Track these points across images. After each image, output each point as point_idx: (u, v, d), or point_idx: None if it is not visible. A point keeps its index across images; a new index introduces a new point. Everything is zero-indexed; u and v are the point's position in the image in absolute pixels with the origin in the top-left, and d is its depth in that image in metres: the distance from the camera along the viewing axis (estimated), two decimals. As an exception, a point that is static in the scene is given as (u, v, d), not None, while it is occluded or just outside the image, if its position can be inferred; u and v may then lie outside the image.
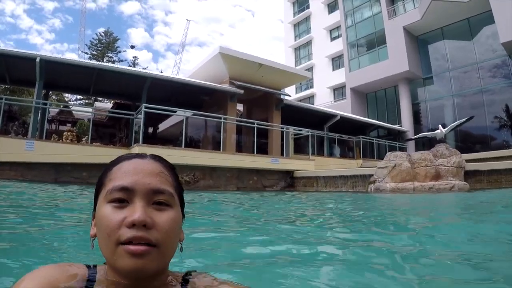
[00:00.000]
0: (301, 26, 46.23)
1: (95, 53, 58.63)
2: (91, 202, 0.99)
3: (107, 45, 59.58)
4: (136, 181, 0.89)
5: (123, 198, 0.88)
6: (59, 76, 16.85)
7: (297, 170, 17.47)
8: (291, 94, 28.02)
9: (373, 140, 26.30)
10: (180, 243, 0.98)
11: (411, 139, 24.58)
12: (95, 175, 13.27)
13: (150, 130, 22.56)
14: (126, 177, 0.90)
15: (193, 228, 3.97)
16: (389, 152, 14.05)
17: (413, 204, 9.39)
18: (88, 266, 0.93)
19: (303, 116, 23.19)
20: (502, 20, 22.18)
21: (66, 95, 44.84)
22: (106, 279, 0.89)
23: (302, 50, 45.74)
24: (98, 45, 59.51)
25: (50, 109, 20.67)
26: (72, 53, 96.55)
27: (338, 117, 23.35)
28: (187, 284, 0.96)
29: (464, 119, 16.51)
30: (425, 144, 24.72)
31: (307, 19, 44.92)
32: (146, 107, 14.52)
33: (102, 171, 0.98)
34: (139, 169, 0.93)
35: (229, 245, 3.41)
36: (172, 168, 1.06)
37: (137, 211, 0.84)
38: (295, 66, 41.99)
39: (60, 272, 0.85)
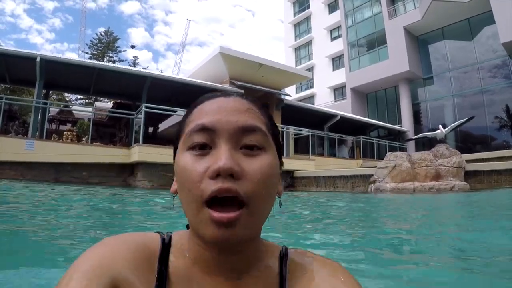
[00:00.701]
0: (302, 26, 46.20)
1: (96, 52, 58.59)
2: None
3: (107, 44, 59.54)
4: (219, 119, 0.71)
5: (205, 142, 0.70)
6: (59, 75, 16.83)
7: (297, 170, 17.46)
8: (291, 94, 28.04)
9: (373, 140, 26.29)
10: (278, 196, 0.79)
11: (411, 139, 24.57)
12: (95, 175, 13.34)
13: (150, 130, 22.53)
14: (207, 116, 0.72)
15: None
16: (389, 152, 14.05)
17: (414, 203, 9.39)
18: (161, 235, 0.78)
19: (303, 116, 23.18)
20: (502, 20, 22.17)
21: (67, 94, 44.83)
22: (182, 248, 0.76)
23: (303, 50, 45.72)
24: (99, 44, 59.48)
25: (50, 109, 20.65)
26: (72, 53, 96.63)
27: (338, 117, 23.34)
28: (286, 259, 0.78)
29: (465, 119, 16.51)
30: (425, 144, 24.72)
31: (308, 19, 44.89)
32: (146, 107, 14.54)
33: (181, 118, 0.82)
34: (223, 107, 0.73)
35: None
36: (263, 106, 0.82)
37: (221, 156, 0.66)
38: (296, 66, 41.93)
39: (132, 239, 0.72)
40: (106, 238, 0.71)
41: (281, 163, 0.80)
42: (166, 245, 0.75)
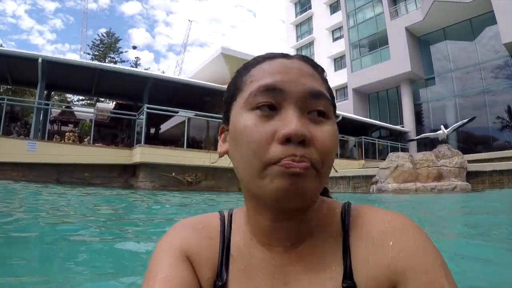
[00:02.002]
0: (303, 26, 46.16)
1: (97, 53, 58.65)
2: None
3: (109, 45, 59.58)
4: (288, 79, 0.66)
5: (272, 103, 0.64)
6: (61, 76, 16.85)
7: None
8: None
9: (375, 140, 26.24)
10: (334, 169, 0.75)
11: (413, 140, 24.57)
12: (97, 176, 13.34)
13: (152, 130, 22.53)
14: (272, 76, 0.66)
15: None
16: (391, 153, 14.04)
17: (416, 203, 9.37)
18: (221, 213, 0.82)
19: (305, 116, 23.13)
20: (504, 21, 22.14)
21: (68, 95, 44.88)
22: (241, 224, 0.77)
23: (304, 50, 45.63)
24: (100, 45, 59.52)
25: (52, 110, 20.67)
26: (73, 54, 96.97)
27: (340, 118, 23.30)
28: (348, 220, 0.72)
29: (466, 119, 16.50)
30: (427, 144, 24.69)
31: (309, 19, 44.84)
32: (148, 108, 14.55)
33: (231, 81, 0.77)
34: (289, 67, 0.68)
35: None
36: (324, 72, 0.80)
37: (292, 120, 0.61)
38: (297, 66, 41.84)
39: (198, 221, 0.80)
40: (175, 225, 0.81)
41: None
42: (225, 223, 0.79)
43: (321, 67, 0.78)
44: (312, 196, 0.65)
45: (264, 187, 0.62)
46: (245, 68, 0.74)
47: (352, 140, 24.97)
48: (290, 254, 0.70)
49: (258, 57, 0.74)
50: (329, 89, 0.75)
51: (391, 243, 0.63)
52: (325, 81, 0.76)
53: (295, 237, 0.70)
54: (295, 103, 0.64)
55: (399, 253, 0.61)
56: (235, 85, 0.73)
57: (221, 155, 0.78)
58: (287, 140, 0.60)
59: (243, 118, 0.65)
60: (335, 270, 0.66)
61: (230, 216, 0.81)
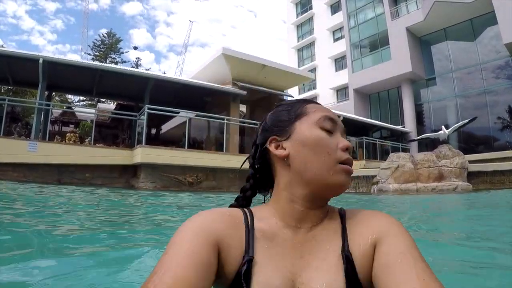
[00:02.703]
0: (304, 27, 46.21)
1: (98, 54, 58.66)
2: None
3: (109, 46, 59.57)
4: (335, 118, 1.06)
5: (331, 128, 1.01)
6: (62, 77, 16.87)
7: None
8: (294, 95, 28.03)
9: (376, 141, 26.23)
10: None
11: (414, 140, 24.56)
12: (98, 176, 13.35)
13: (153, 131, 22.55)
14: (329, 112, 1.07)
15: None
16: (392, 153, 14.05)
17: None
18: (241, 209, 1.04)
19: (305, 117, 23.12)
20: (505, 21, 22.15)
21: (69, 96, 44.92)
22: (263, 213, 1.01)
23: (305, 51, 45.71)
24: (101, 46, 59.53)
25: (53, 110, 20.69)
26: (74, 54, 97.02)
27: (341, 118, 23.23)
28: (344, 214, 1.04)
29: (467, 120, 16.50)
30: (428, 145, 24.72)
31: (310, 20, 44.89)
32: (149, 108, 14.54)
33: (283, 110, 1.11)
34: (331, 111, 1.09)
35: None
36: None
37: (344, 140, 1.02)
38: (298, 67, 41.90)
39: (222, 211, 0.98)
40: (200, 212, 0.95)
41: None
42: (247, 213, 1.00)
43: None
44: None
45: (332, 178, 0.95)
46: (298, 104, 1.10)
47: (353, 140, 24.95)
48: (308, 233, 0.97)
49: (303, 99, 1.16)
50: None
51: (375, 222, 0.96)
52: None
53: (316, 220, 0.99)
54: (341, 132, 1.05)
55: (380, 227, 0.93)
56: (296, 111, 1.06)
57: (284, 157, 1.02)
58: (346, 149, 0.99)
59: (317, 132, 0.99)
60: (336, 244, 0.95)
61: (250, 210, 1.03)
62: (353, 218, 1.01)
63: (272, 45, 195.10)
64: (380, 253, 0.88)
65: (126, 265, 2.24)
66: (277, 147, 1.04)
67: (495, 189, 11.68)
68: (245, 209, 1.03)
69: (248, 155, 1.23)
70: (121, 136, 21.12)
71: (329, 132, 1.00)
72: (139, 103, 18.10)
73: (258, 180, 1.17)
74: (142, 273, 2.00)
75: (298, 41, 46.52)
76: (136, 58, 70.13)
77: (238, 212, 1.00)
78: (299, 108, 1.08)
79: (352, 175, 0.97)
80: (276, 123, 1.09)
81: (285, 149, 1.02)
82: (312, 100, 1.15)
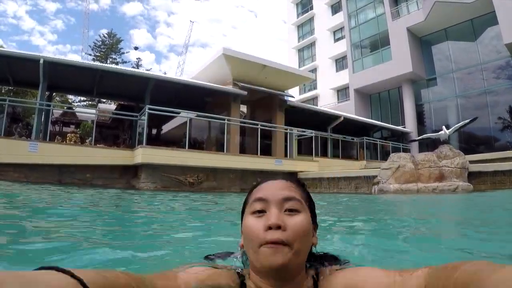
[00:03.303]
0: (305, 27, 46.20)
1: (99, 54, 58.73)
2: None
3: (110, 46, 59.65)
4: (270, 193, 1.13)
5: (261, 208, 1.11)
6: (62, 77, 16.87)
7: (301, 171, 17.46)
8: (294, 96, 28.06)
9: (376, 141, 26.23)
10: (314, 246, 1.21)
11: (415, 140, 24.56)
12: (99, 176, 13.36)
13: (154, 131, 22.58)
14: (262, 192, 1.15)
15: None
16: (393, 153, 14.05)
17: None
18: (236, 271, 1.18)
19: (306, 117, 23.16)
20: (505, 21, 22.15)
21: (70, 96, 44.94)
22: (253, 282, 1.12)
23: (306, 51, 45.70)
24: (102, 46, 59.60)
25: (53, 111, 20.70)
26: (74, 54, 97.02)
27: (342, 118, 23.31)
28: (318, 277, 1.13)
29: (468, 120, 16.50)
30: (428, 145, 24.73)
31: (311, 20, 44.89)
32: (149, 109, 14.54)
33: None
34: (272, 185, 1.17)
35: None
36: (301, 185, 1.26)
37: (272, 217, 1.06)
38: (299, 67, 41.91)
39: (219, 272, 1.12)
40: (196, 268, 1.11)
41: (315, 225, 1.23)
42: (242, 281, 1.14)
43: (300, 182, 1.27)
44: (287, 264, 1.02)
45: (259, 261, 1.04)
46: (252, 189, 1.23)
47: (353, 140, 24.95)
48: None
49: (260, 181, 1.25)
50: (306, 196, 1.22)
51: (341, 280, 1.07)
52: (302, 190, 1.22)
53: None
54: (274, 206, 1.10)
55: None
56: (246, 201, 1.21)
57: (242, 248, 1.21)
58: (269, 228, 1.04)
59: (247, 220, 1.12)
60: None
61: (242, 275, 1.16)
62: (324, 283, 1.11)
63: (272, 45, 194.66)
64: None
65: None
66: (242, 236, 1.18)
67: (496, 190, 11.67)
68: (240, 272, 1.18)
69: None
70: (122, 136, 21.16)
71: (261, 212, 1.11)
72: (139, 103, 18.09)
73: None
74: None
75: (298, 41, 46.51)
76: (137, 58, 70.23)
77: (234, 276, 1.15)
78: (247, 197, 1.23)
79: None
80: (241, 214, 1.24)
81: (240, 240, 1.21)
82: (264, 180, 1.25)
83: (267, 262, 1.02)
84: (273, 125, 19.77)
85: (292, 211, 1.10)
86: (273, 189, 1.15)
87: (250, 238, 1.08)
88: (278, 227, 1.04)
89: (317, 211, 1.28)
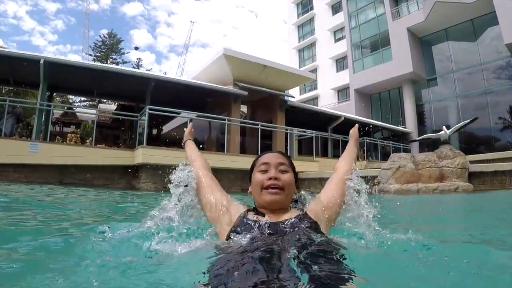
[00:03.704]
0: (305, 27, 46.19)
1: (99, 54, 58.72)
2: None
3: (110, 46, 59.63)
4: (270, 160, 2.05)
5: (265, 168, 2.02)
6: (63, 78, 16.89)
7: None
8: (295, 96, 28.03)
9: (377, 141, 26.21)
10: (295, 192, 2.16)
11: (415, 141, 24.55)
12: (99, 177, 13.35)
13: (154, 131, 22.56)
14: (265, 159, 2.07)
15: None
16: (393, 154, 14.02)
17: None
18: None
19: (307, 117, 23.16)
20: (506, 21, 22.15)
21: (70, 96, 44.94)
22: (256, 209, 2.02)
23: (306, 51, 45.70)
24: (102, 46, 59.59)
25: (54, 111, 20.69)
26: (75, 55, 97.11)
27: (342, 119, 23.31)
28: (303, 209, 2.04)
29: (468, 120, 16.47)
30: (429, 145, 24.68)
31: (311, 20, 44.89)
32: (150, 109, 14.53)
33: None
34: (271, 155, 2.11)
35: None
36: (288, 157, 2.20)
37: (272, 173, 1.98)
38: (299, 67, 41.89)
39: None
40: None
41: (296, 179, 2.15)
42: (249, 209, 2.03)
43: (287, 155, 2.22)
44: (281, 201, 1.95)
45: (262, 199, 1.97)
46: (257, 158, 2.17)
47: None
48: (278, 215, 1.92)
49: (262, 153, 2.20)
50: (289, 161, 2.15)
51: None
52: (288, 159, 2.15)
53: (280, 214, 1.95)
54: (273, 167, 2.01)
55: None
56: (253, 164, 2.15)
57: (249, 193, 2.15)
58: (270, 178, 1.96)
59: (256, 175, 2.05)
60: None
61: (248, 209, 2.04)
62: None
63: (273, 45, 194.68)
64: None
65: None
66: (251, 185, 2.13)
67: (496, 190, 11.66)
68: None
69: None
70: (122, 136, 21.15)
71: (264, 171, 2.02)
72: (140, 103, 18.09)
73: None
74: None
75: (299, 42, 46.52)
76: (137, 58, 70.41)
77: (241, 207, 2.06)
78: (254, 162, 2.17)
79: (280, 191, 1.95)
80: (249, 175, 2.21)
81: (249, 189, 2.18)
82: (265, 152, 2.19)
83: (268, 199, 1.93)
84: (274, 125, 19.78)
85: (283, 171, 2.02)
86: (272, 158, 2.07)
87: (258, 185, 1.99)
88: (275, 178, 1.95)
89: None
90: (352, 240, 2.04)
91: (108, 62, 55.82)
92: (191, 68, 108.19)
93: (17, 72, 16.72)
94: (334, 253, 1.46)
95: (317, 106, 36.65)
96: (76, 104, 48.15)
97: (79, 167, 13.47)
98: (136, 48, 79.36)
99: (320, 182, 16.01)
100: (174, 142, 18.20)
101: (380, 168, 14.00)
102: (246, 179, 2.15)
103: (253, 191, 2.02)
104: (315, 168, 18.20)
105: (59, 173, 13.12)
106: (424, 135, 18.92)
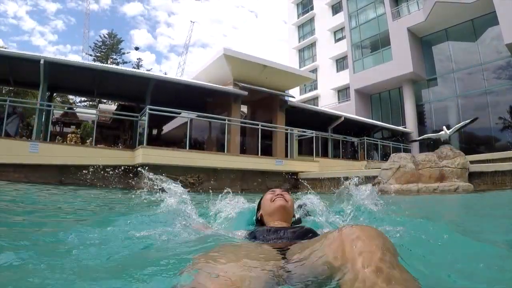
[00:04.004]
0: (305, 27, 46.17)
1: (99, 55, 58.75)
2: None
3: (111, 46, 59.66)
4: (276, 188, 2.72)
5: (272, 191, 2.64)
6: (63, 78, 16.88)
7: (301, 172, 17.45)
8: (295, 96, 28.03)
9: (377, 141, 26.21)
10: (293, 217, 2.70)
11: (416, 141, 24.56)
12: (100, 177, 13.34)
13: (154, 132, 22.57)
14: (273, 188, 2.75)
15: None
16: (394, 154, 14.02)
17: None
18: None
19: (307, 117, 23.15)
20: (506, 21, 22.14)
21: (70, 96, 44.97)
22: (261, 226, 2.50)
23: (306, 51, 45.69)
24: (102, 47, 59.61)
25: (54, 111, 20.68)
26: (75, 55, 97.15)
27: (342, 119, 23.30)
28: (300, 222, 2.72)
29: (469, 120, 16.47)
30: (429, 145, 24.69)
31: (311, 20, 44.86)
32: (150, 109, 14.52)
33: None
34: (276, 188, 2.80)
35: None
36: (287, 190, 2.74)
37: (278, 191, 2.63)
38: (299, 67, 41.88)
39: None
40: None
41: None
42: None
43: (287, 189, 3.30)
44: (288, 210, 2.53)
45: (272, 207, 2.52)
46: (261, 198, 2.81)
47: (354, 141, 24.96)
48: (286, 230, 2.17)
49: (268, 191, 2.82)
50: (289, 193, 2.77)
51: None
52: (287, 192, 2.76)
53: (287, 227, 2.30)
54: (279, 190, 2.68)
55: None
56: (260, 201, 2.77)
57: (259, 217, 2.72)
58: (277, 194, 2.60)
59: (266, 196, 2.67)
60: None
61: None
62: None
63: (273, 45, 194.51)
64: None
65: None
66: (258, 211, 2.73)
67: (496, 190, 11.66)
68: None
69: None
70: (122, 136, 21.18)
71: (272, 192, 2.61)
72: (140, 103, 18.08)
73: (257, 221, 2.73)
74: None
75: (299, 42, 46.49)
76: (137, 59, 70.44)
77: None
78: (260, 200, 2.73)
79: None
80: (258, 206, 2.78)
81: (259, 212, 2.70)
82: (270, 190, 2.73)
83: (278, 203, 2.45)
84: (274, 125, 19.76)
85: (286, 193, 2.61)
86: (277, 188, 2.64)
87: (268, 200, 2.55)
88: (281, 195, 2.54)
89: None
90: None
91: (108, 62, 55.86)
92: (191, 68, 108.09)
93: (17, 72, 16.72)
94: None
95: (317, 106, 36.66)
96: (76, 104, 48.21)
97: (79, 167, 13.46)
98: (136, 48, 79.26)
99: (321, 182, 16.03)
100: (175, 142, 18.26)
101: (380, 168, 14.00)
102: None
103: (263, 207, 2.59)
104: (315, 168, 18.20)
105: (59, 173, 13.13)
106: (424, 135, 18.91)
